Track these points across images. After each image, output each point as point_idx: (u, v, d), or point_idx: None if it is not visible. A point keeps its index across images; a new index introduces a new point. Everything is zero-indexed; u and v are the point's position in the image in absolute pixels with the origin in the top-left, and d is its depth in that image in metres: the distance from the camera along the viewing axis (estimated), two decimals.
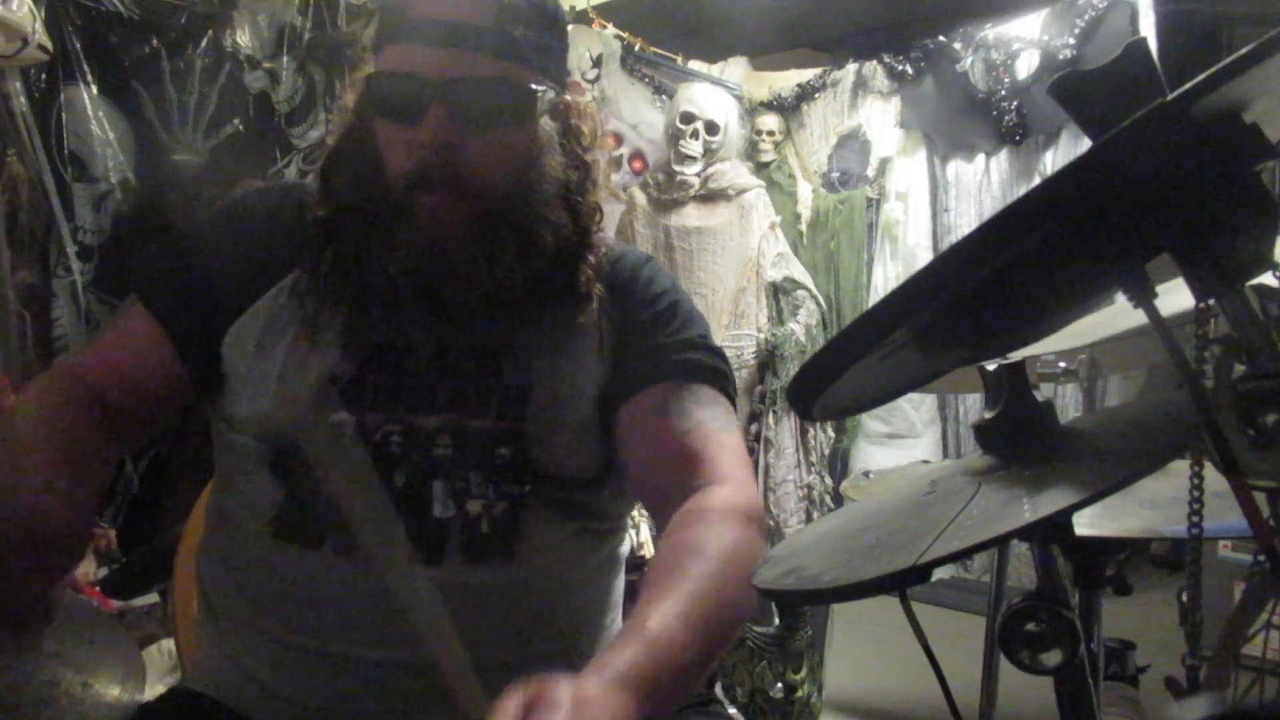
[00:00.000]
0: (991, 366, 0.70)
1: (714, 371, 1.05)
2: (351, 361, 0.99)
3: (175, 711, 1.02)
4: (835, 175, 3.58)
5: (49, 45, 2.45)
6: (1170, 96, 0.46)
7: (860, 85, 3.53)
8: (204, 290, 1.03)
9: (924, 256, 3.44)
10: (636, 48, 3.63)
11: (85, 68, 2.65)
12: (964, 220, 3.42)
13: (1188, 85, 0.45)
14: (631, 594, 1.16)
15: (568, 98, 1.04)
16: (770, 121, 3.60)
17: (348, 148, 1.02)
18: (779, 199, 3.51)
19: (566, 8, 3.59)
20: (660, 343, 1.05)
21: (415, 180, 0.94)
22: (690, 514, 0.94)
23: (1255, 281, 0.55)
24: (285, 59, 2.99)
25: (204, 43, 2.88)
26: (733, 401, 1.07)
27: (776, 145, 3.61)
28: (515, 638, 0.97)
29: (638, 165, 3.62)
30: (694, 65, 3.71)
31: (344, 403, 0.98)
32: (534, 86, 0.97)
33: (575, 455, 1.01)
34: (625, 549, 1.12)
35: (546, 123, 1.00)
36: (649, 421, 1.01)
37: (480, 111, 0.94)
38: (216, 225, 1.12)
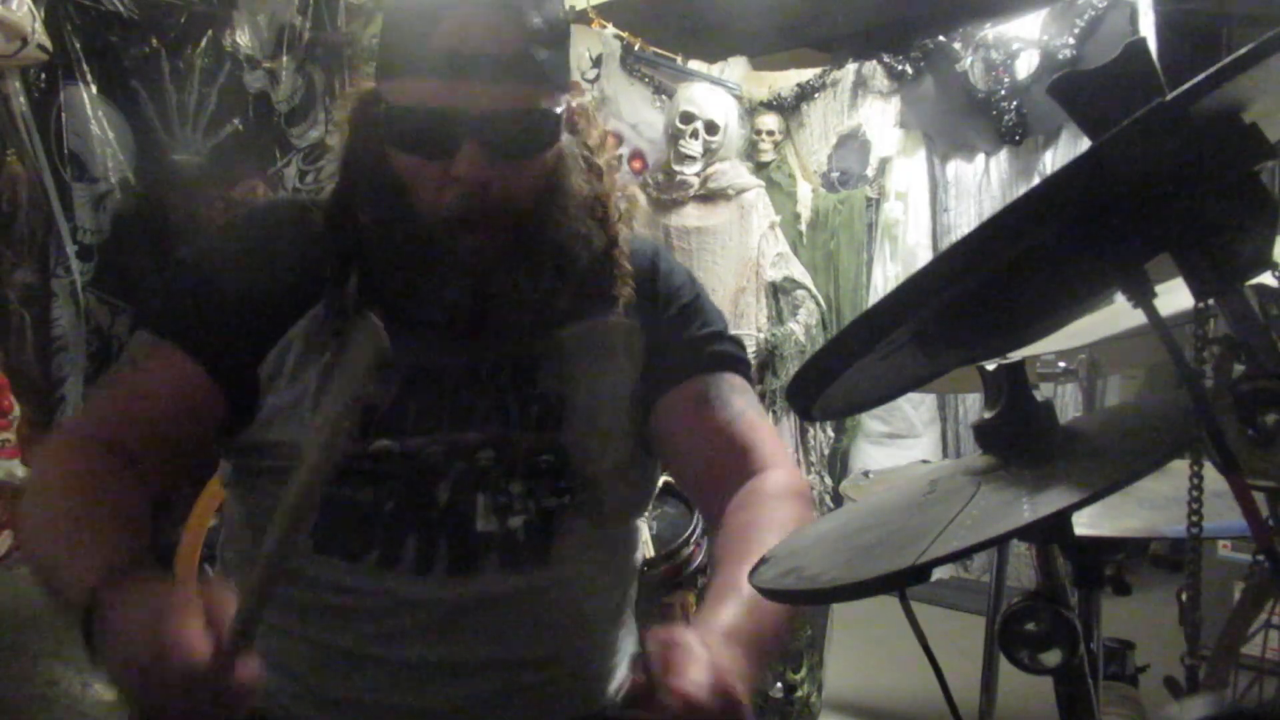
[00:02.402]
0: (991, 366, 0.70)
1: (742, 361, 1.10)
2: (388, 387, 0.97)
3: None
4: (835, 175, 3.58)
5: (49, 45, 2.45)
6: (1170, 96, 0.46)
7: (860, 85, 3.53)
8: (237, 321, 0.98)
9: (924, 256, 3.43)
10: (636, 47, 3.62)
11: (85, 68, 2.65)
12: (964, 220, 3.42)
13: (1188, 85, 0.45)
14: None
15: (574, 104, 1.03)
16: (770, 121, 3.60)
17: (364, 177, 0.98)
18: (779, 199, 3.51)
19: (566, 7, 3.61)
20: (691, 335, 1.07)
21: (453, 218, 0.93)
22: (754, 494, 1.00)
23: (1255, 281, 0.55)
24: (285, 59, 2.98)
25: (204, 43, 2.88)
26: (754, 386, 1.12)
27: (776, 145, 3.61)
28: (541, 638, 0.98)
29: (637, 165, 3.61)
30: (694, 65, 3.70)
31: (385, 428, 0.96)
32: (557, 110, 0.96)
33: (612, 455, 1.02)
34: (640, 557, 1.14)
35: (565, 138, 1.00)
36: (692, 413, 1.04)
37: (513, 144, 0.93)
38: (236, 251, 1.06)
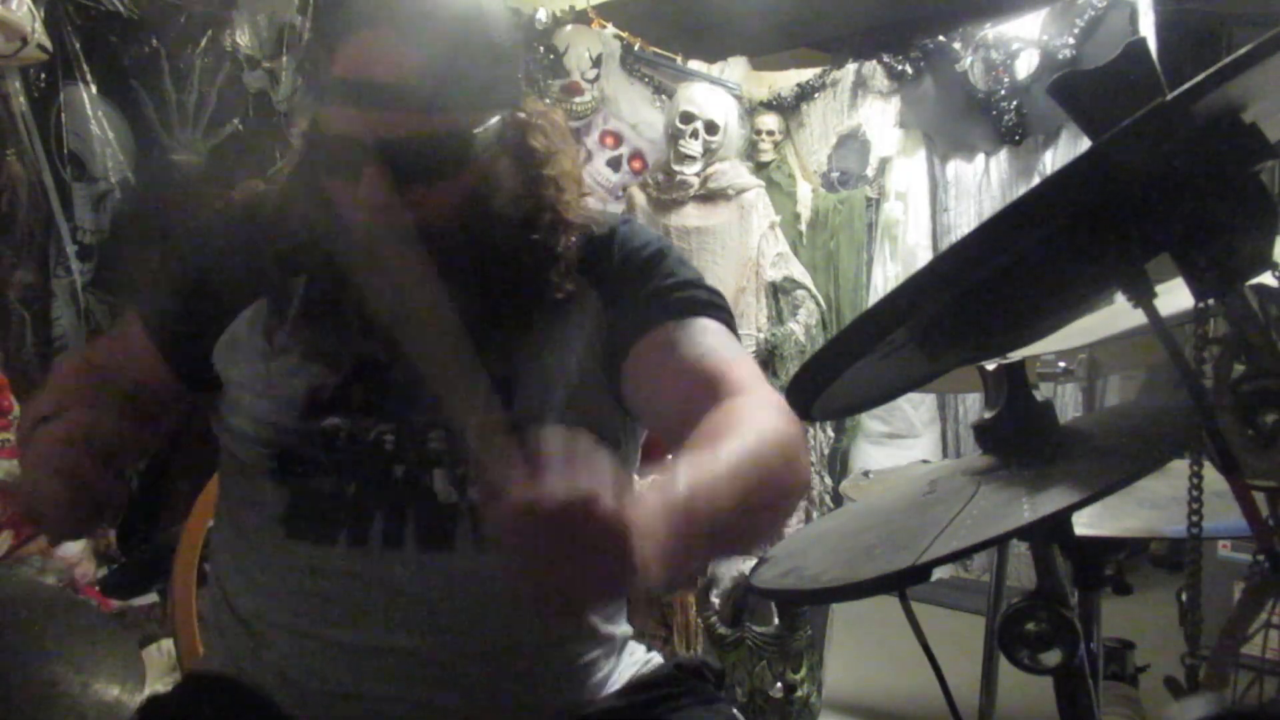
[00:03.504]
0: (991, 366, 0.70)
1: (714, 306, 1.05)
2: (334, 372, 1.01)
3: (194, 694, 1.05)
4: (835, 175, 3.57)
5: (49, 45, 2.45)
6: (1170, 96, 0.46)
7: (860, 85, 3.52)
8: (191, 305, 1.08)
9: (924, 256, 3.43)
10: (636, 47, 3.62)
11: (85, 68, 2.65)
12: (964, 220, 3.42)
13: (1187, 85, 0.45)
14: None
15: (521, 115, 1.02)
16: (770, 121, 3.59)
17: (300, 189, 1.03)
18: (778, 199, 3.51)
19: (566, 7, 3.59)
20: (655, 287, 1.04)
21: (366, 237, 0.95)
22: (721, 409, 0.93)
23: (1255, 281, 0.55)
24: (285, 59, 2.98)
25: (204, 43, 2.88)
26: (735, 335, 1.06)
27: (776, 145, 3.60)
28: (528, 620, 0.97)
29: (637, 165, 3.61)
30: (694, 65, 3.70)
31: (332, 409, 1.00)
32: (474, 130, 0.95)
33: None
34: None
35: (497, 154, 0.99)
36: (659, 359, 1.01)
37: (416, 169, 0.93)
38: (203, 237, 1.16)
